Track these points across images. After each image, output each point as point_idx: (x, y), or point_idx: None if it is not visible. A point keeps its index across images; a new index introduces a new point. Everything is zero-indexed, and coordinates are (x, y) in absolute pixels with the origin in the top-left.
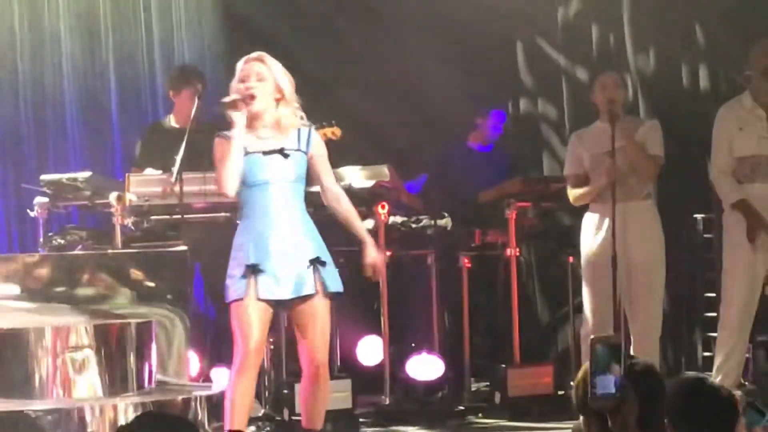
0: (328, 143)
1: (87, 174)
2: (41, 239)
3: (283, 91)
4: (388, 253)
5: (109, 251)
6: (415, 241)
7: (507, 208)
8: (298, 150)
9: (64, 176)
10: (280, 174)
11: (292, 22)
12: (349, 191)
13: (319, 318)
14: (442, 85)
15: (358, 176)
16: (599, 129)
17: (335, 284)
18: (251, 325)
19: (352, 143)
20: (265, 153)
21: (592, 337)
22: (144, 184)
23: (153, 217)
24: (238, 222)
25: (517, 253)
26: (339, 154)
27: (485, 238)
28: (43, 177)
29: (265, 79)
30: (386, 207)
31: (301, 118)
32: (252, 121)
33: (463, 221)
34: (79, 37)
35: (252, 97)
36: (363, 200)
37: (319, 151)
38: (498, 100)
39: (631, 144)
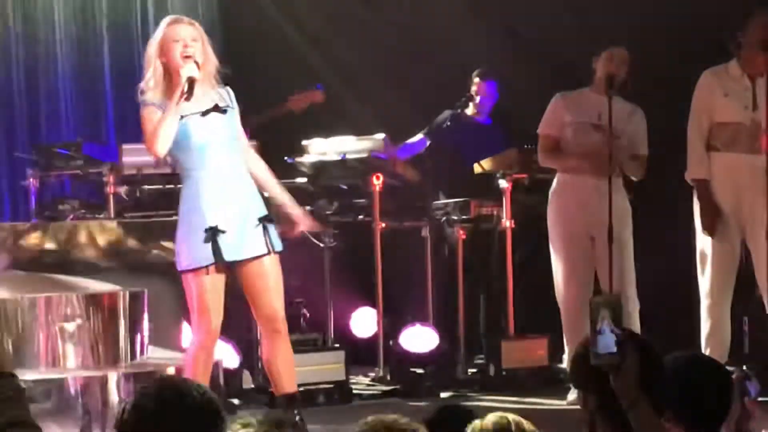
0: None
1: (79, 142)
2: (33, 208)
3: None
4: (383, 225)
5: (102, 221)
6: (410, 212)
7: (502, 180)
8: (229, 107)
9: (56, 145)
10: (222, 132)
11: None
12: (343, 162)
13: (273, 275)
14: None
15: (352, 147)
16: (588, 97)
17: (278, 243)
18: (216, 299)
19: (348, 109)
20: (203, 114)
21: (591, 297)
22: (136, 154)
23: (145, 187)
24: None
25: (513, 225)
26: (334, 118)
27: (480, 210)
28: (36, 146)
29: (197, 40)
30: (380, 178)
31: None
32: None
33: (458, 192)
34: (72, 5)
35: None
36: (357, 171)
37: (237, 108)
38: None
39: (618, 151)
